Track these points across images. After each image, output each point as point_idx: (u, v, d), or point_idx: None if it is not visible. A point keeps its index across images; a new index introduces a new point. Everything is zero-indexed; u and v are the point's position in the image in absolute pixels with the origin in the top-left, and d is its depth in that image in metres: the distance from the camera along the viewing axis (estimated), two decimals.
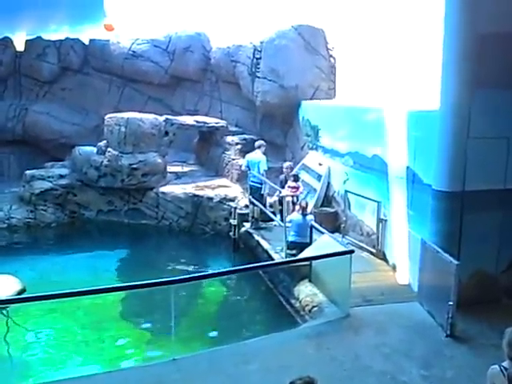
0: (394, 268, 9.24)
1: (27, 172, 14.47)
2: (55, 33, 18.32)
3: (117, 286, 8.65)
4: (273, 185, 11.57)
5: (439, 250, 7.31)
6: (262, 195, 11.73)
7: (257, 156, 12.01)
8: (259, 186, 11.70)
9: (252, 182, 11.87)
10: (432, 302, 7.50)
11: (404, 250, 8.82)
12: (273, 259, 9.94)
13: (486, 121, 7.59)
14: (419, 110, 8.70)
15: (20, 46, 17.87)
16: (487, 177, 7.70)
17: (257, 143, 12.45)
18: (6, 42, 17.57)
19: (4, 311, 8.25)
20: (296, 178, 11.80)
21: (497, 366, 3.83)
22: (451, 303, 6.79)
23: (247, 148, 13.68)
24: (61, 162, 15.48)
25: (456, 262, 6.86)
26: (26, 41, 17.88)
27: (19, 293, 9.31)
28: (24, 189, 14.26)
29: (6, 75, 17.69)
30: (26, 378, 7.13)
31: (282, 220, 10.27)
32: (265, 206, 11.68)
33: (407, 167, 8.83)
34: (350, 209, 10.80)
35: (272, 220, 11.29)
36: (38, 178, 14.27)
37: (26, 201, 14.18)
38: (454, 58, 7.47)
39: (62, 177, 14.46)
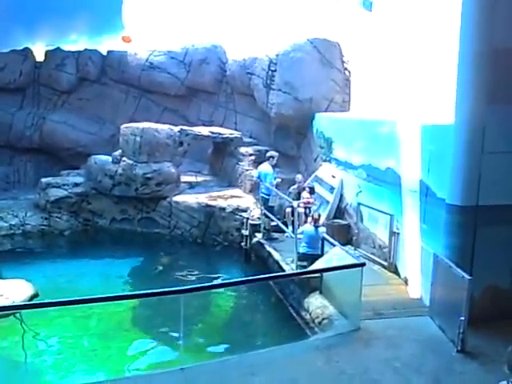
0: (405, 282, 9.16)
1: (43, 180, 14.68)
2: (74, 44, 18.62)
3: (128, 294, 8.75)
4: (283, 195, 11.57)
5: (452, 264, 7.24)
6: (272, 207, 11.73)
7: (266, 168, 12.06)
8: (268, 197, 11.73)
9: (263, 193, 11.92)
10: (443, 316, 7.42)
11: (416, 263, 8.75)
12: (284, 270, 9.92)
13: (500, 135, 7.56)
14: (434, 123, 8.66)
15: (39, 57, 18.17)
16: (501, 192, 7.64)
17: (267, 154, 12.51)
18: (26, 53, 17.89)
19: (17, 315, 8.31)
20: (311, 191, 11.77)
21: (505, 382, 3.78)
22: (463, 318, 6.71)
23: (261, 159, 13.68)
24: (76, 171, 15.67)
25: (468, 277, 6.78)
26: (46, 51, 18.18)
27: (32, 298, 9.35)
28: (39, 196, 14.46)
29: (26, 85, 17.97)
30: None
31: (293, 231, 10.25)
32: (282, 217, 11.67)
33: (421, 181, 8.77)
34: (362, 221, 10.75)
35: (284, 231, 11.27)
36: (53, 186, 14.44)
37: (41, 208, 14.37)
38: (469, 72, 7.46)
39: (76, 185, 14.62)
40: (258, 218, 12.36)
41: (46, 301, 7.11)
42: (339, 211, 11.94)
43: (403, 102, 10.53)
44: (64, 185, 14.53)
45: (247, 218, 12.65)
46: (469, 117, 7.51)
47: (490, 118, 7.47)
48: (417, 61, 10.37)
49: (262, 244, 11.65)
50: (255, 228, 12.21)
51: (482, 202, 7.58)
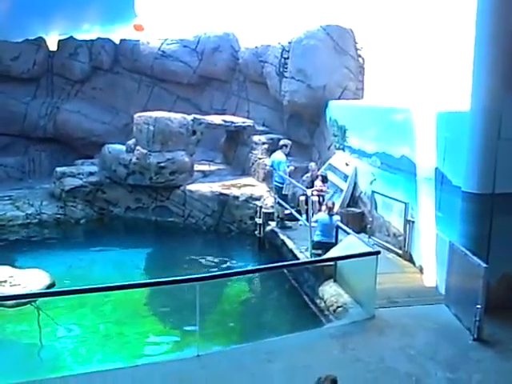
0: (420, 270, 9.13)
1: (58, 169, 14.80)
2: (87, 33, 18.64)
3: (143, 282, 8.82)
4: (297, 183, 11.56)
5: (467, 252, 7.19)
6: (286, 195, 11.72)
7: (279, 156, 12.04)
8: (282, 185, 11.71)
9: (276, 181, 11.90)
10: (459, 305, 7.39)
11: (431, 251, 8.71)
12: (298, 258, 9.93)
13: None
14: (449, 110, 8.57)
15: (53, 46, 18.22)
16: None
17: (280, 143, 12.49)
18: (40, 42, 17.93)
19: (34, 304, 8.44)
20: (324, 179, 11.74)
21: None
22: (479, 306, 6.68)
23: (274, 147, 13.65)
24: (90, 160, 15.79)
25: (484, 265, 6.73)
26: (59, 41, 18.22)
27: (48, 287, 9.50)
28: (55, 185, 14.59)
29: (39, 74, 18.05)
30: (53, 371, 7.26)
31: (307, 220, 10.25)
32: (296, 206, 11.68)
33: (436, 168, 8.71)
34: (376, 209, 10.71)
35: (297, 219, 11.27)
36: (68, 175, 14.57)
37: (56, 197, 14.51)
38: (486, 58, 7.35)
39: (91, 174, 14.74)
40: (272, 206, 12.37)
41: (62, 289, 7.21)
42: (353, 199, 11.89)
43: (418, 89, 10.44)
44: (79, 174, 14.66)
45: (261, 207, 12.67)
46: (485, 103, 7.42)
47: (507, 103, 7.36)
48: (432, 47, 10.26)
49: (275, 232, 11.67)
50: (269, 216, 12.22)
51: (499, 189, 7.51)
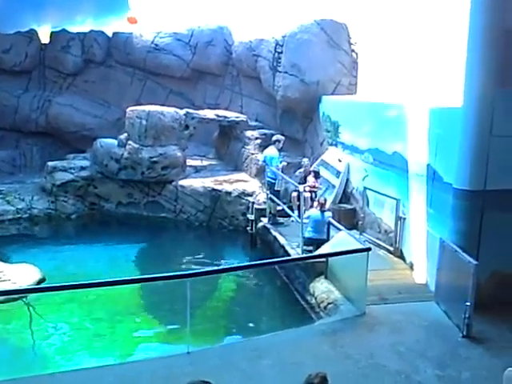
0: (411, 267, 9.14)
1: (49, 163, 14.69)
2: (79, 25, 18.47)
3: (134, 278, 8.75)
4: (289, 179, 11.54)
5: (458, 249, 7.21)
6: (278, 191, 11.69)
7: (271, 152, 12.00)
8: (274, 181, 11.68)
9: (268, 177, 11.86)
10: (449, 302, 7.41)
11: (422, 248, 8.72)
12: (289, 255, 9.92)
13: (509, 119, 7.46)
14: (442, 106, 8.57)
15: (45, 39, 18.08)
16: (509, 176, 7.56)
17: (273, 138, 12.44)
18: (32, 34, 17.79)
19: (24, 299, 8.39)
20: (317, 175, 11.73)
21: None
22: (468, 304, 6.70)
23: (267, 143, 13.62)
24: (82, 154, 15.68)
25: (474, 262, 6.75)
26: (51, 33, 18.08)
27: (39, 282, 9.45)
28: (46, 180, 14.49)
29: (31, 67, 17.91)
30: (42, 367, 7.23)
31: (299, 216, 10.23)
32: (288, 202, 11.66)
33: (428, 165, 8.71)
34: (368, 206, 10.71)
35: (289, 216, 11.26)
36: (59, 170, 14.47)
37: (47, 192, 14.41)
38: (478, 55, 7.34)
39: (83, 169, 14.64)
40: (264, 202, 12.34)
41: (53, 285, 7.16)
42: (345, 196, 11.88)
43: (411, 85, 10.42)
44: (70, 168, 14.56)
45: (253, 203, 12.65)
46: (477, 99, 7.41)
47: (499, 100, 7.36)
48: (425, 43, 10.24)
49: (267, 228, 11.64)
50: (261, 212, 12.18)
51: (490, 186, 7.52)
